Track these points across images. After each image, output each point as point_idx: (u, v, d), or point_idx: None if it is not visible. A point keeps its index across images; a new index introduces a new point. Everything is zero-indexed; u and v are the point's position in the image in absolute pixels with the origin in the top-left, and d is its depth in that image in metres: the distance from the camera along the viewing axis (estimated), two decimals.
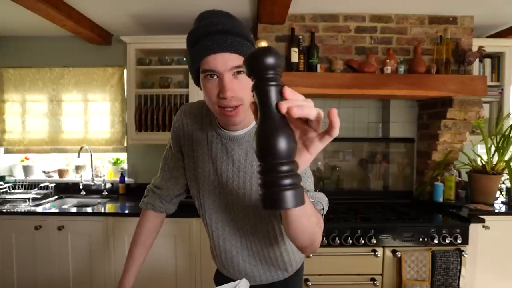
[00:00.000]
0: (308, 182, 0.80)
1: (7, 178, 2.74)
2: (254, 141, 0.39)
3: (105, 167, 2.82)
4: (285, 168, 0.37)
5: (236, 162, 0.85)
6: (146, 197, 1.05)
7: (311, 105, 0.40)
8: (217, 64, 0.69)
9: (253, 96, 0.40)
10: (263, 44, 0.36)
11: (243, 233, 0.92)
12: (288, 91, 0.39)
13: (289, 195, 0.37)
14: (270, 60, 0.38)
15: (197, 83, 0.78)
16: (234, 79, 0.71)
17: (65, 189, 2.66)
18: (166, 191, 1.01)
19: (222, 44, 0.68)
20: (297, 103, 0.38)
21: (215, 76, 0.71)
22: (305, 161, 0.44)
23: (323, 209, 0.77)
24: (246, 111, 0.76)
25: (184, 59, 2.38)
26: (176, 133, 0.94)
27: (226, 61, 0.69)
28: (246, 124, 0.82)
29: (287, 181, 0.37)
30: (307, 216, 0.60)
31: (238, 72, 0.71)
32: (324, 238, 1.82)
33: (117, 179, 2.65)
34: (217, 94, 0.71)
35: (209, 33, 0.69)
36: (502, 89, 2.39)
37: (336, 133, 0.40)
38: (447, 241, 1.83)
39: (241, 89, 0.71)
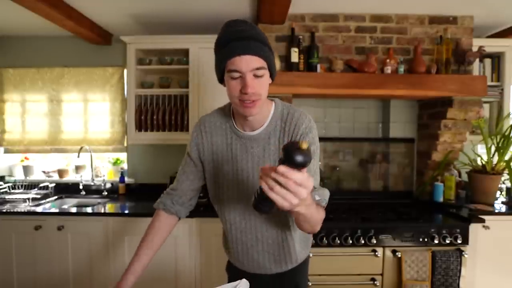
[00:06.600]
0: (314, 177, 0.93)
1: (7, 178, 2.74)
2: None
3: (105, 167, 2.82)
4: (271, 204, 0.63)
5: (256, 158, 0.97)
6: (160, 197, 1.11)
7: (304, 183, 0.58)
8: (241, 65, 0.83)
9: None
10: (304, 145, 0.59)
11: (259, 227, 1.02)
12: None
13: (265, 210, 0.66)
14: (299, 159, 0.56)
15: (221, 80, 0.93)
16: (254, 78, 0.85)
17: (65, 189, 2.66)
18: (180, 192, 1.09)
19: (247, 48, 0.83)
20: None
21: (239, 76, 0.85)
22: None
23: (325, 204, 0.94)
24: (262, 106, 0.91)
25: (184, 59, 2.38)
26: (195, 144, 1.05)
27: (249, 63, 0.84)
28: (261, 122, 0.97)
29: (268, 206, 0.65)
30: (312, 215, 0.77)
31: (257, 75, 0.86)
32: (324, 238, 1.82)
33: (117, 179, 2.65)
34: (240, 90, 0.85)
35: (237, 38, 0.84)
36: (502, 89, 2.39)
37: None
38: (447, 241, 1.83)
39: (259, 87, 0.86)
